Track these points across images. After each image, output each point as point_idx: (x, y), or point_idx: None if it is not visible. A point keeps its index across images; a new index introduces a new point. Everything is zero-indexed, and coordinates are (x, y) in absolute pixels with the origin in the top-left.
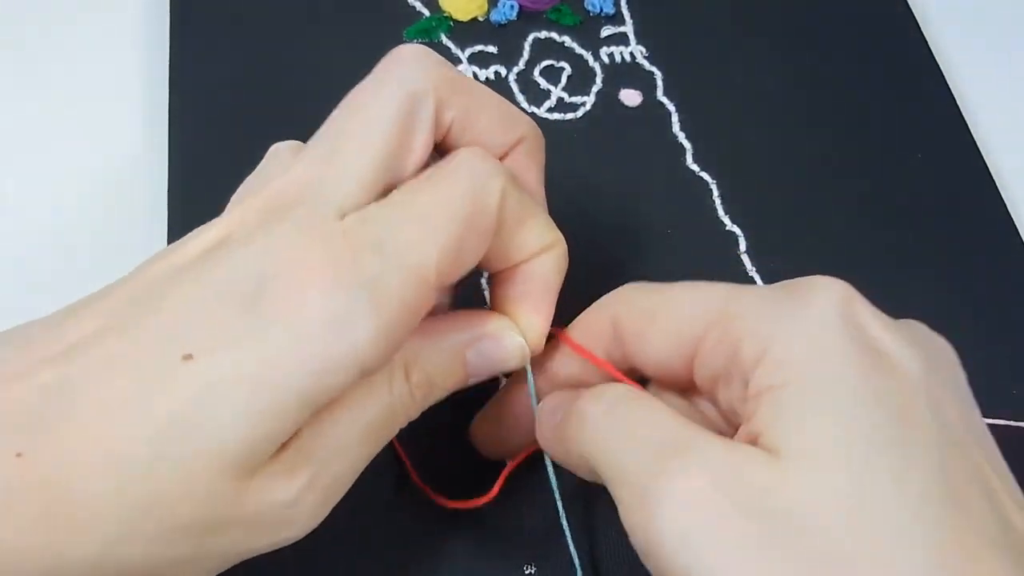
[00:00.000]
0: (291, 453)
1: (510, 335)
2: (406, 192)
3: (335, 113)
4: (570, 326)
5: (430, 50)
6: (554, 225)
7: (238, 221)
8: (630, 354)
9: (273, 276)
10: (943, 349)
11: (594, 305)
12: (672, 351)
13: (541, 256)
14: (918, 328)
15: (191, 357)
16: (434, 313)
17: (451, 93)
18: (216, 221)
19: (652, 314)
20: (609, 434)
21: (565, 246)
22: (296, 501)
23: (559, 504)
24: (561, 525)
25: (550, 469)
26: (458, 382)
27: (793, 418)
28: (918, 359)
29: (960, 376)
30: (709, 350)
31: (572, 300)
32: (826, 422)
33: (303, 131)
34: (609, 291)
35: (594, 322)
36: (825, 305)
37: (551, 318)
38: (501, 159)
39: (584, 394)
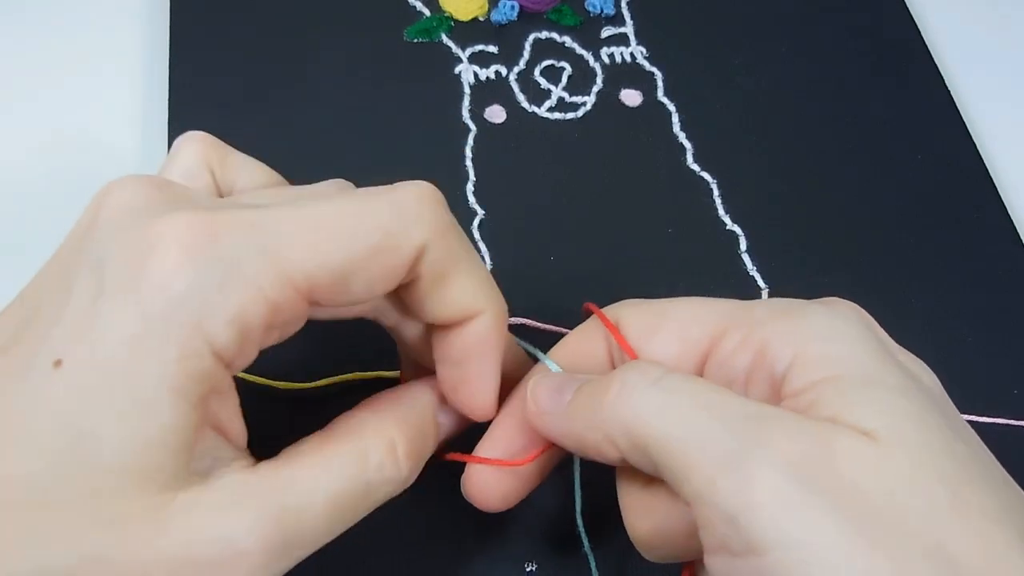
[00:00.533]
0: (229, 483)
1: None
2: (322, 200)
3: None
4: (571, 333)
5: (441, 195)
6: (491, 288)
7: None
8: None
9: (115, 255)
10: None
11: (594, 314)
12: (681, 352)
13: (473, 324)
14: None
15: (60, 363)
16: None
17: (440, 244)
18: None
19: (661, 315)
20: (668, 406)
21: (502, 312)
22: (240, 538)
23: (578, 502)
24: (576, 522)
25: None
26: (439, 445)
27: (872, 402)
28: (930, 376)
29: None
30: (730, 352)
31: (573, 300)
32: (907, 407)
33: (302, 128)
34: (609, 291)
35: (595, 326)
36: (850, 314)
37: (492, 384)
38: (459, 321)
39: (617, 372)
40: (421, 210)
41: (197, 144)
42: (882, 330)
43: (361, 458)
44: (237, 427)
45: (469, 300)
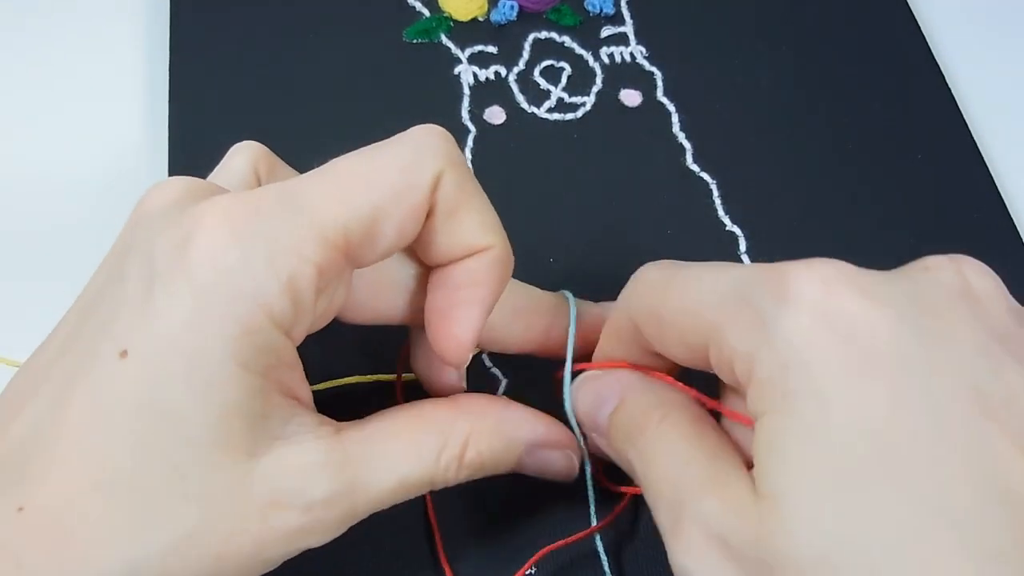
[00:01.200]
0: (312, 448)
1: (567, 453)
2: (341, 158)
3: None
4: (603, 328)
5: (449, 134)
6: (499, 228)
7: None
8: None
9: (162, 243)
10: (957, 273)
11: (616, 304)
12: (688, 357)
13: (475, 257)
14: (919, 271)
15: (125, 353)
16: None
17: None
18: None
19: (658, 320)
20: (653, 452)
21: (507, 253)
22: (316, 505)
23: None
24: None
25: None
26: (504, 471)
27: (770, 456)
28: (908, 330)
29: (984, 290)
30: (715, 365)
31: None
32: (803, 459)
33: (302, 128)
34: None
35: (619, 319)
36: (801, 306)
37: (476, 330)
38: (463, 258)
39: (640, 397)
40: (432, 142)
41: (249, 151)
42: (853, 285)
43: (434, 453)
44: (306, 393)
45: (479, 235)
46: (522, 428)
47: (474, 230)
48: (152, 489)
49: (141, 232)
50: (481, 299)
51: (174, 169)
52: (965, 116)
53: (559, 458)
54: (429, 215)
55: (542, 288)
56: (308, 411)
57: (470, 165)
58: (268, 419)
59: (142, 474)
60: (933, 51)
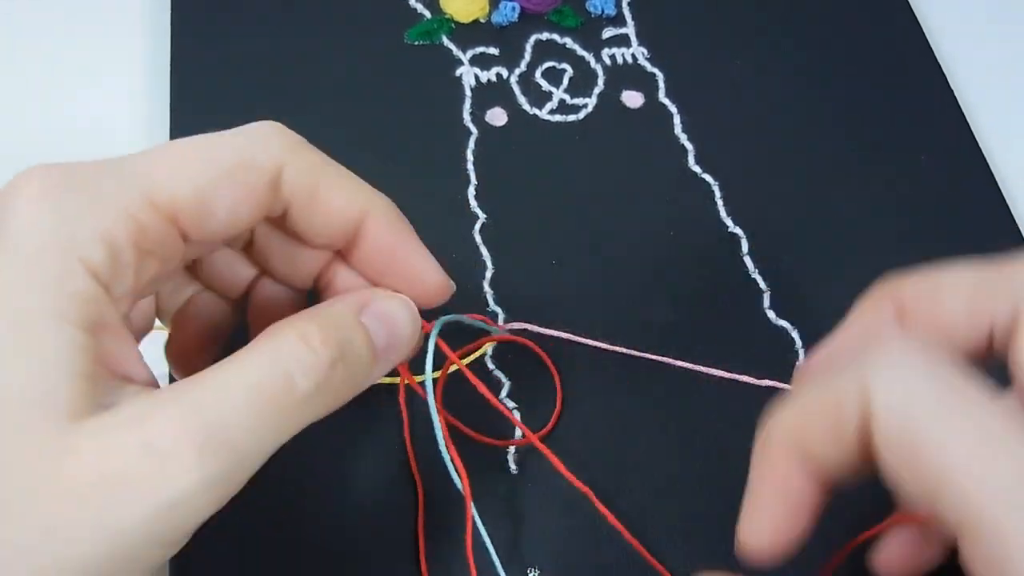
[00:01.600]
0: (140, 400)
1: (397, 298)
2: (180, 139)
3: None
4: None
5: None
6: (368, 190)
7: None
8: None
9: None
10: None
11: (871, 294)
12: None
13: (367, 223)
14: None
15: None
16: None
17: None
18: None
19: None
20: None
21: (386, 204)
22: (163, 441)
23: None
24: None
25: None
26: (369, 348)
27: None
28: None
29: None
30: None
31: (575, 304)
32: None
33: (303, 131)
34: (611, 296)
35: (875, 306)
36: None
37: (426, 255)
38: (353, 230)
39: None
40: (271, 131)
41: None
42: None
43: (273, 351)
44: (143, 372)
45: (348, 202)
46: (342, 299)
47: (343, 198)
48: None
49: None
50: (412, 241)
51: None
52: (968, 117)
53: (393, 306)
54: (291, 206)
55: (545, 292)
56: (140, 386)
57: (472, 167)
58: (92, 383)
59: None
60: (935, 51)
